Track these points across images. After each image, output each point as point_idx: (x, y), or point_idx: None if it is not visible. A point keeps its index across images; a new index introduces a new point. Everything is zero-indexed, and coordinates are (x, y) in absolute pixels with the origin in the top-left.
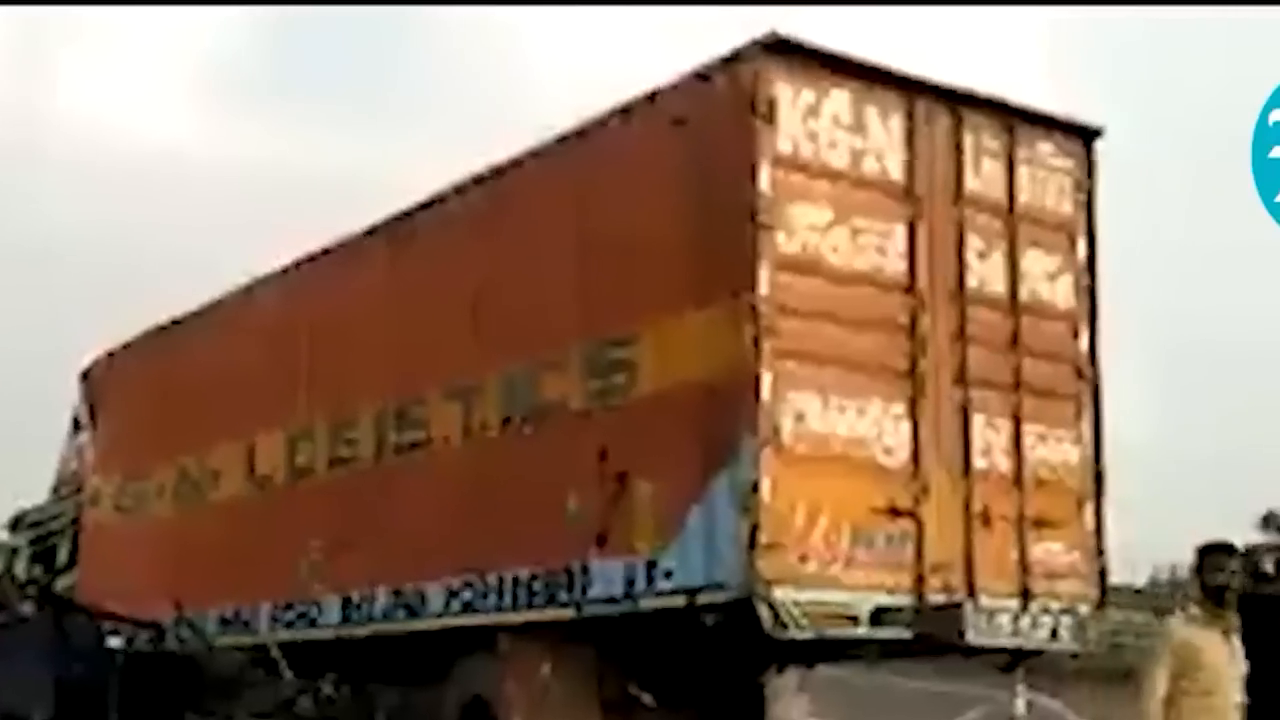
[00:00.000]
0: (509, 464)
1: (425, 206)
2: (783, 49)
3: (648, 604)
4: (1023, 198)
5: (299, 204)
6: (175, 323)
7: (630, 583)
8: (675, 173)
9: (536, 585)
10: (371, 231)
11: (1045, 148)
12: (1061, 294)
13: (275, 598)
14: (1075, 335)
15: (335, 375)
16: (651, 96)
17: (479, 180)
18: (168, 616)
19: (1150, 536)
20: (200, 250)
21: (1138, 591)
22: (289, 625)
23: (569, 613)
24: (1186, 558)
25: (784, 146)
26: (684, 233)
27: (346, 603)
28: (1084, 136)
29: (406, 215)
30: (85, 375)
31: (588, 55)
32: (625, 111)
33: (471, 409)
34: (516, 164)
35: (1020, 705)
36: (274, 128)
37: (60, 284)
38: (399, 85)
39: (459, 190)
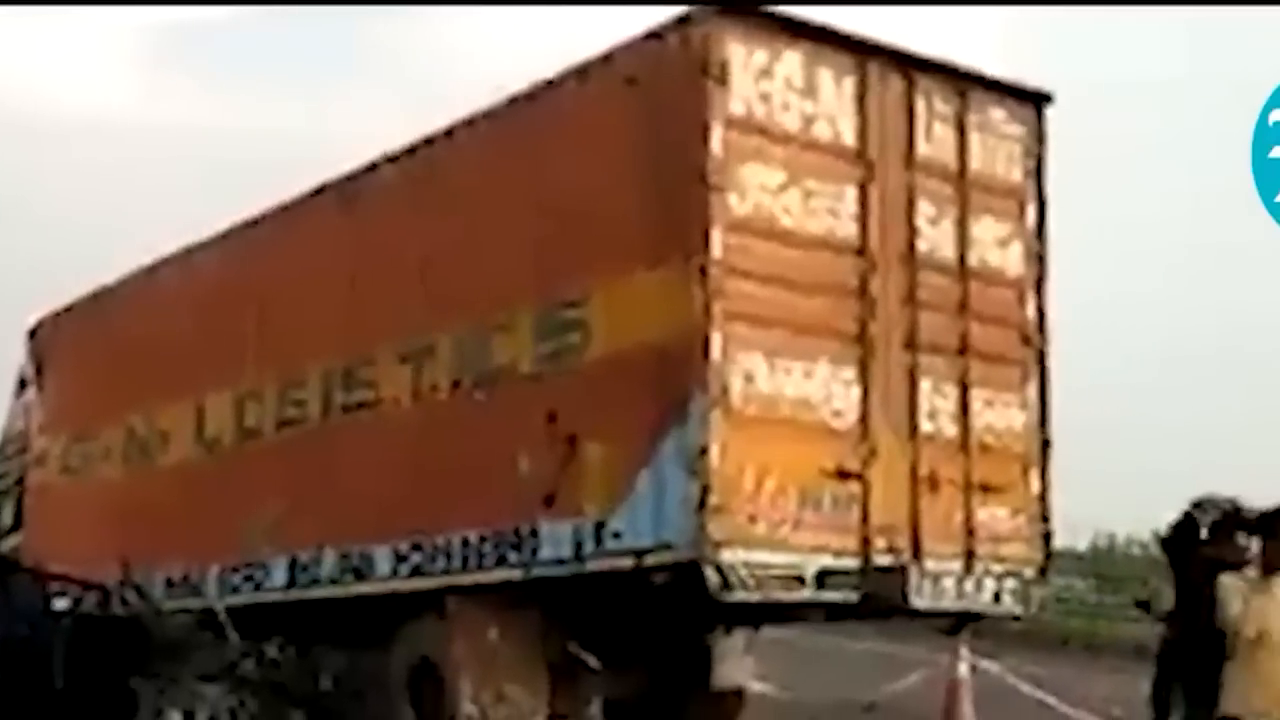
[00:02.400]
0: (459, 426)
1: (376, 167)
2: (735, 10)
3: (595, 565)
4: (974, 163)
5: (248, 168)
6: (124, 282)
7: (578, 544)
8: (627, 134)
9: (485, 547)
10: (321, 191)
11: (996, 113)
12: (1010, 260)
13: (223, 560)
14: (1023, 302)
15: (284, 335)
16: (604, 58)
17: (430, 141)
18: (114, 579)
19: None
20: (147, 213)
21: (1079, 558)
22: (236, 588)
23: (517, 574)
24: (1125, 527)
25: (736, 108)
26: (636, 194)
27: (294, 565)
28: (1035, 102)
29: (357, 175)
30: (32, 334)
31: (543, 21)
32: (577, 73)
33: (421, 371)
34: (468, 124)
35: (963, 668)
36: (220, 95)
37: (7, 243)
38: (354, 51)
39: (410, 151)
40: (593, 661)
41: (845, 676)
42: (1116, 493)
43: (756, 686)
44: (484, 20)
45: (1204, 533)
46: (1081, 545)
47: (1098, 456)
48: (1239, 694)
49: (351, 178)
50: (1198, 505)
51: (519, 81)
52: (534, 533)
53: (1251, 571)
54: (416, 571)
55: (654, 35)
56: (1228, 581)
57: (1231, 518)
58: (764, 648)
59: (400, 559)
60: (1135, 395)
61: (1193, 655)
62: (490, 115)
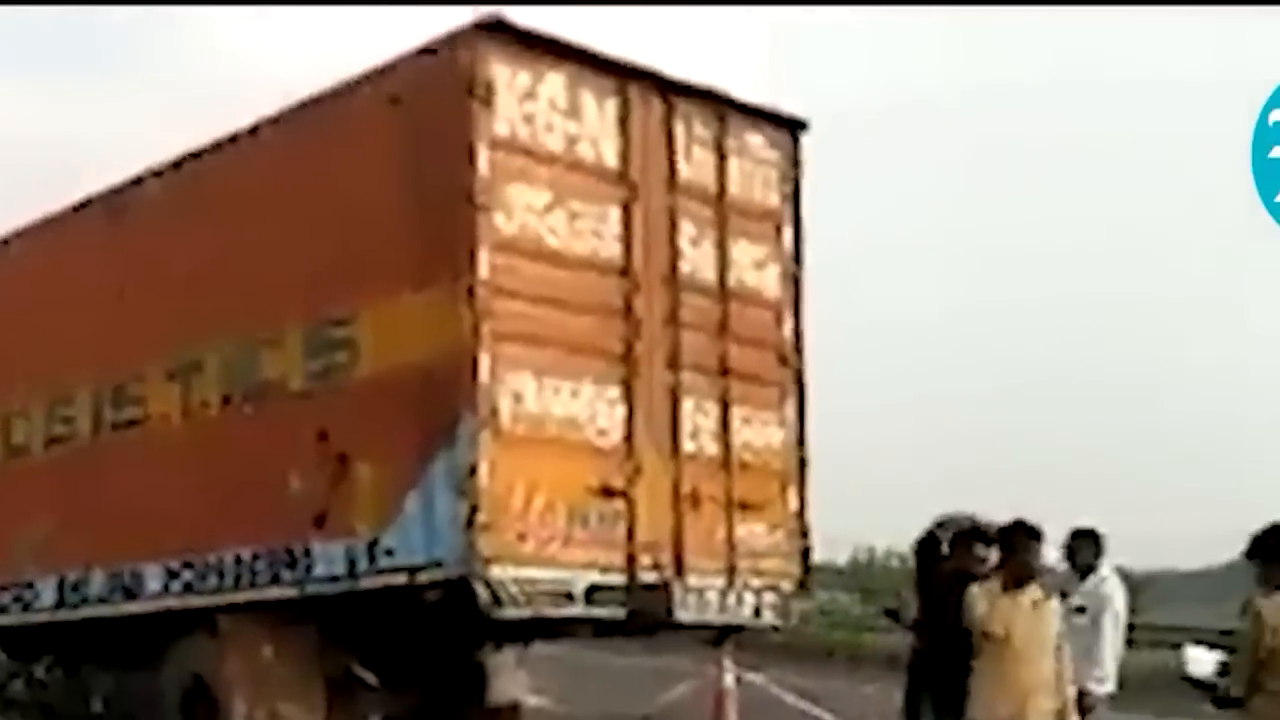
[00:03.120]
0: (230, 443)
1: (143, 180)
2: (499, 31)
3: (369, 583)
4: (732, 187)
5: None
6: None
7: (352, 562)
8: (395, 152)
9: (258, 565)
10: (87, 204)
11: (754, 139)
12: (768, 282)
13: None
14: (780, 323)
15: (51, 352)
16: (369, 75)
17: (197, 154)
18: None
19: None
20: None
21: (840, 572)
22: (3, 609)
23: (291, 592)
24: (885, 540)
25: (501, 129)
26: (404, 213)
27: (62, 585)
28: (791, 129)
29: (125, 188)
30: None
31: (333, 32)
32: (345, 89)
33: (191, 387)
34: (235, 139)
35: (729, 680)
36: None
37: None
38: (137, 56)
39: (177, 165)
40: (370, 679)
41: (616, 690)
42: (874, 506)
43: (532, 701)
44: (275, 24)
45: (945, 548)
46: (842, 559)
47: (856, 472)
48: (985, 700)
49: (120, 190)
50: (940, 524)
51: (307, 88)
52: (307, 551)
53: (994, 582)
54: (188, 589)
55: (419, 54)
56: (975, 589)
57: (968, 533)
58: (535, 663)
59: (171, 576)
60: (889, 414)
61: (940, 664)
62: (258, 130)
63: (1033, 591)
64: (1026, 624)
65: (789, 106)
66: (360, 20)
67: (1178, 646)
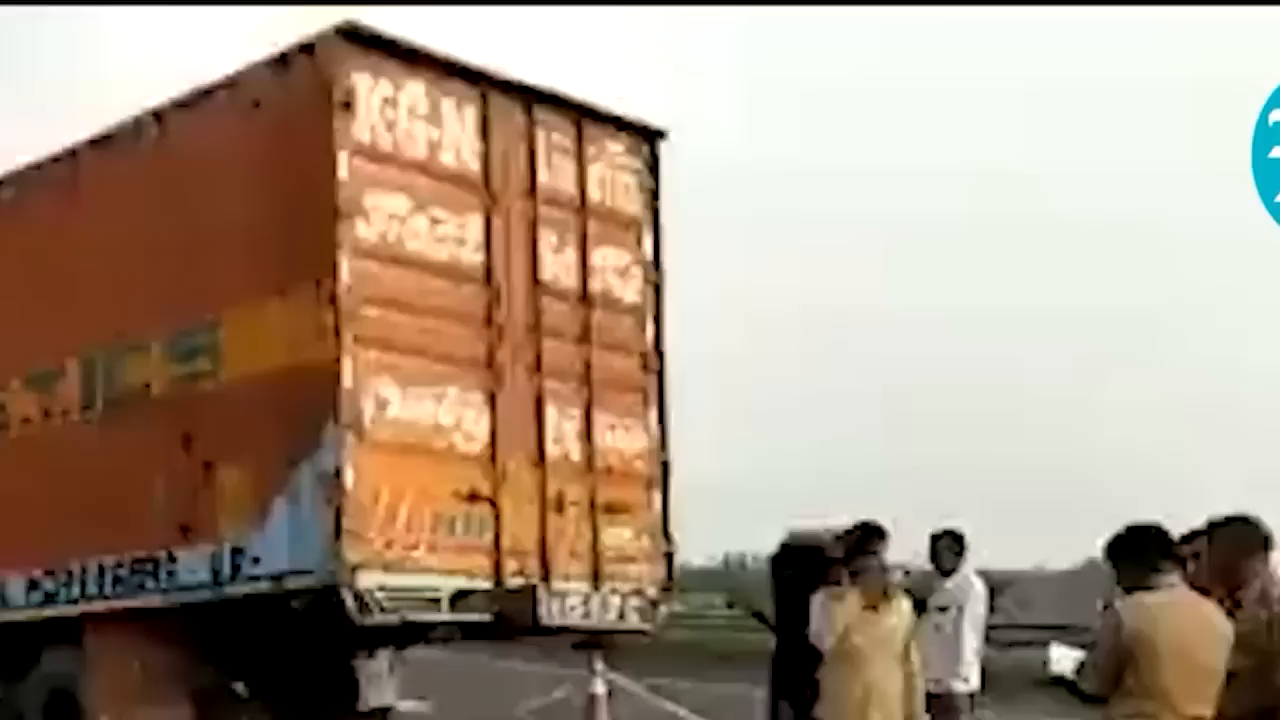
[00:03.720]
0: (94, 450)
1: (3, 183)
2: (360, 38)
3: (235, 590)
4: (593, 194)
5: None
6: None
7: (217, 571)
8: (257, 158)
9: (122, 573)
10: None
11: (614, 147)
12: (630, 289)
13: None
14: (642, 329)
15: None
16: (231, 81)
17: (57, 159)
18: None
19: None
20: None
21: (716, 573)
22: None
23: (156, 600)
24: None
25: (362, 135)
26: (267, 219)
27: None
28: (649, 137)
29: None
30: None
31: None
32: (206, 94)
33: (53, 393)
34: (98, 142)
35: (600, 683)
36: None
37: None
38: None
39: (38, 167)
40: (239, 688)
41: (492, 695)
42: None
43: (409, 705)
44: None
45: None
46: (717, 562)
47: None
48: (831, 699)
49: None
50: (793, 533)
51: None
52: (172, 558)
53: (841, 586)
54: (52, 600)
55: (280, 61)
56: (817, 599)
57: (816, 547)
58: (418, 668)
59: (33, 587)
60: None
61: (795, 666)
62: (119, 135)
63: (873, 593)
64: (866, 627)
65: (661, 112)
66: (252, 20)
67: (1041, 645)
